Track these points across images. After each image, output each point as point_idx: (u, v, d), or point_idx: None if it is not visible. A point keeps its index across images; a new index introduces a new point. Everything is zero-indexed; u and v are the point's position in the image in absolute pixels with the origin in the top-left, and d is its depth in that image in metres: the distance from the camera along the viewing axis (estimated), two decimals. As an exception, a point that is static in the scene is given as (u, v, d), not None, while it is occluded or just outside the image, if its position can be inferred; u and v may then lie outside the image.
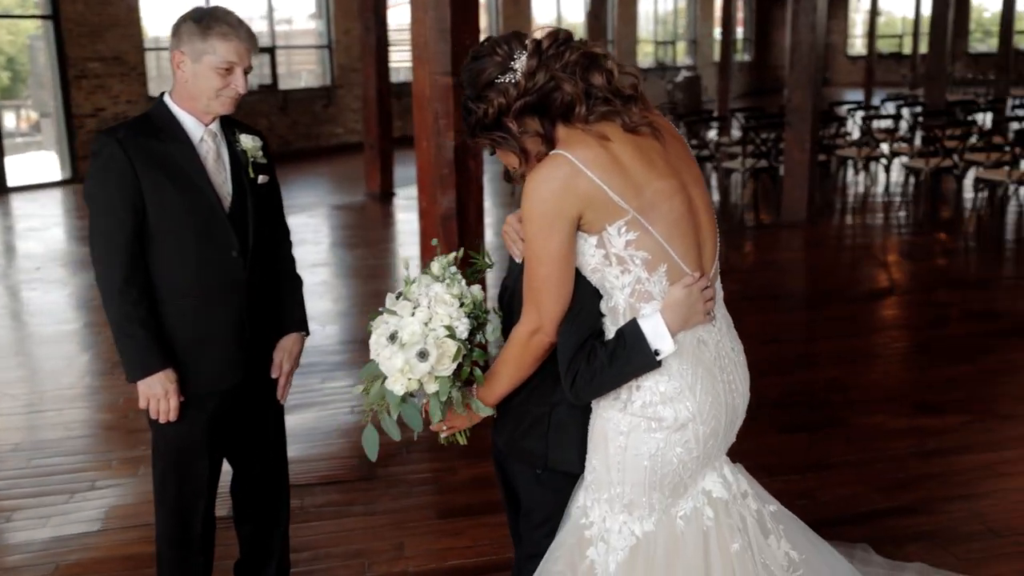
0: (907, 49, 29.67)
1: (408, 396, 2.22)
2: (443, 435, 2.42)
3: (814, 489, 4.10)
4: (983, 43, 34.00)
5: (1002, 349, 5.83)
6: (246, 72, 2.85)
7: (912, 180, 11.16)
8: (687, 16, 27.02)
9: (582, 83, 2.15)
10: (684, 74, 21.29)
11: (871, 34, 27.35)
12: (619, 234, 2.12)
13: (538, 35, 2.20)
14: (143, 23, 14.25)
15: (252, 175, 2.96)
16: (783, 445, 4.45)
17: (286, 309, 3.13)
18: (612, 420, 2.22)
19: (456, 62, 5.11)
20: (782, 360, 5.54)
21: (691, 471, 2.24)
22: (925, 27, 27.84)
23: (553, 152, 2.15)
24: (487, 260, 2.44)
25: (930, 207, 10.11)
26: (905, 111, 12.20)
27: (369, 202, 11.93)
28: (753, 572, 2.24)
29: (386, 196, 12.12)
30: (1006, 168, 9.22)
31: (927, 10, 27.93)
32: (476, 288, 2.31)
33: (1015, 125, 10.79)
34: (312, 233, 9.95)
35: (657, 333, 2.12)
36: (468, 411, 2.30)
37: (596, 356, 2.16)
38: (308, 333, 3.18)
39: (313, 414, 5.06)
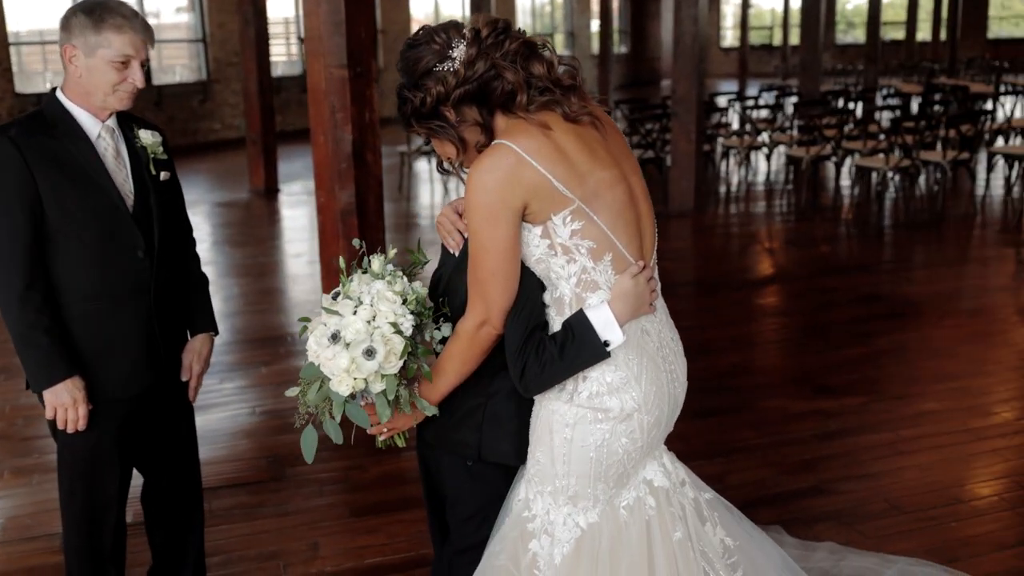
0: (777, 41, 30.57)
1: (351, 397, 2.16)
2: (382, 438, 2.35)
3: (724, 473, 4.17)
4: (847, 34, 35.35)
5: (889, 331, 6.04)
6: (143, 65, 2.73)
7: (792, 169, 11.48)
8: (564, 8, 27.25)
9: (523, 72, 2.12)
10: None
11: (743, 26, 28.09)
12: (564, 223, 2.11)
13: (476, 24, 2.16)
14: (5, 16, 13.57)
15: (154, 172, 2.85)
16: (691, 431, 4.50)
17: (194, 310, 3.04)
18: (557, 412, 2.21)
19: (352, 55, 5.01)
20: (684, 347, 5.58)
21: (634, 461, 2.24)
22: (794, 19, 28.79)
23: (496, 142, 2.12)
24: (422, 256, 2.39)
25: (811, 195, 10.42)
26: (784, 100, 12.54)
27: (254, 198, 11.65)
28: (694, 560, 2.26)
29: (271, 192, 11.85)
30: (882, 156, 9.56)
31: (795, 3, 28.94)
32: (418, 284, 2.26)
33: (888, 114, 11.19)
34: (196, 231, 9.56)
35: (606, 324, 2.11)
36: (413, 410, 2.25)
37: (545, 349, 2.14)
38: (217, 333, 3.09)
39: (215, 415, 4.91)
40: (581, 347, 2.12)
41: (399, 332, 2.15)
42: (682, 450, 4.41)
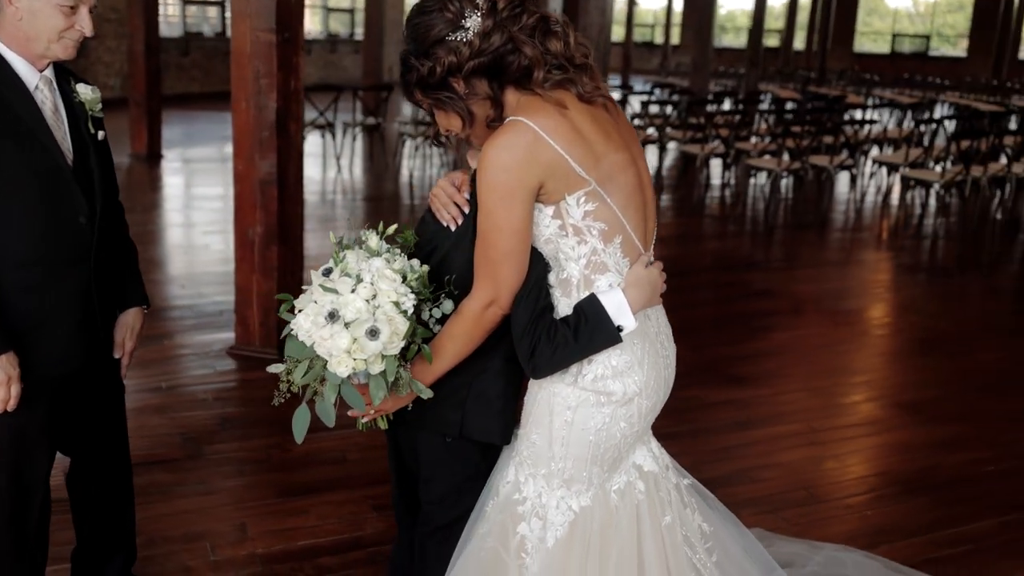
0: (659, 39, 31.14)
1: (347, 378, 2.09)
2: (364, 420, 2.27)
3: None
4: (719, 39, 36.30)
5: (787, 326, 6.26)
6: (91, 11, 2.51)
7: (684, 165, 11.72)
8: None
9: (540, 47, 2.08)
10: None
11: (628, 22, 28.49)
12: (578, 204, 2.08)
13: None
14: None
15: (92, 130, 2.66)
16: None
17: (125, 281, 2.83)
18: (559, 394, 2.18)
19: (280, 19, 4.86)
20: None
21: (629, 445, 2.24)
22: (675, 19, 29.43)
23: (512, 119, 2.07)
24: (412, 236, 2.31)
25: (703, 191, 10.66)
26: (676, 97, 12.80)
27: (135, 164, 11.18)
28: (681, 544, 2.27)
29: (153, 158, 11.41)
30: (770, 157, 9.85)
31: (677, 3, 29.59)
32: (416, 262, 2.19)
33: (774, 117, 11.53)
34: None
35: (620, 309, 2.09)
36: (407, 392, 2.18)
37: (558, 331, 2.11)
38: (149, 306, 2.92)
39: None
40: (595, 331, 2.10)
41: (401, 312, 2.08)
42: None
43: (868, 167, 11.33)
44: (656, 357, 2.23)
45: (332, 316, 2.03)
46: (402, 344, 2.07)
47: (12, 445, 2.57)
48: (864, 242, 9.02)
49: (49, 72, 2.54)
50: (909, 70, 24.25)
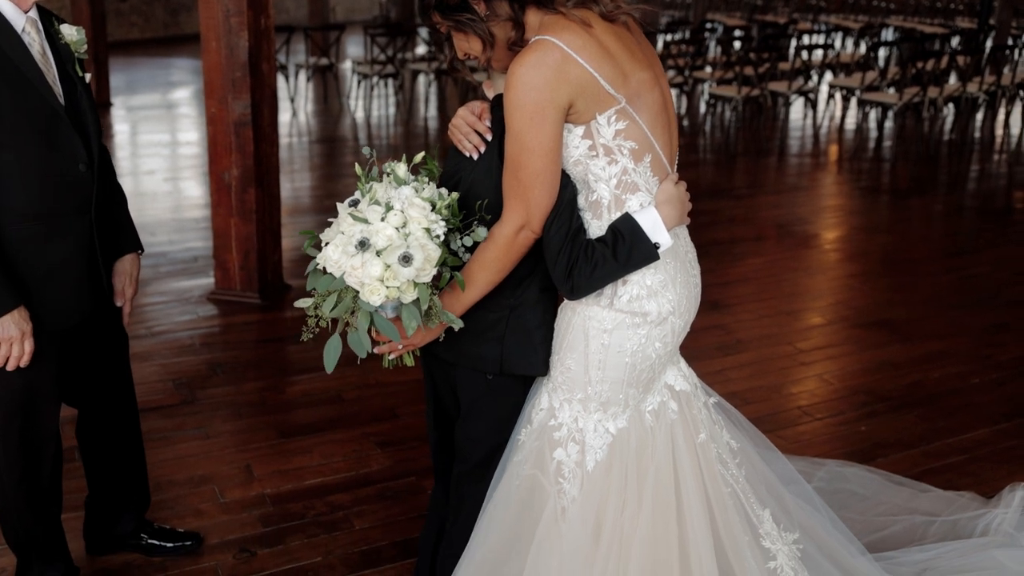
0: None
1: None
2: (392, 356, 2.24)
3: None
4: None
5: (761, 252, 6.32)
6: None
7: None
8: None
9: None
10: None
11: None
12: (608, 123, 2.07)
13: None
14: None
15: (80, 72, 2.59)
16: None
17: (121, 227, 2.78)
18: (595, 317, 2.18)
19: (248, -46, 4.73)
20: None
21: (663, 365, 2.26)
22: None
23: (539, 38, 2.05)
24: (435, 166, 2.28)
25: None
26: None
27: (83, 112, 10.88)
28: (714, 462, 2.31)
29: (103, 106, 11.10)
30: (734, 85, 9.86)
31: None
32: (444, 190, 2.16)
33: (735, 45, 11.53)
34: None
35: (655, 226, 2.10)
36: (438, 323, 2.16)
37: (595, 250, 2.10)
38: (143, 251, 2.87)
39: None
40: (633, 248, 2.10)
41: (433, 238, 2.06)
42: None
43: (824, 92, 11.37)
44: (687, 276, 2.24)
45: (363, 245, 2.01)
46: (434, 271, 2.05)
47: (23, 401, 2.54)
48: (824, 166, 9.11)
49: (34, 13, 2.47)
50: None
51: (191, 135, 9.80)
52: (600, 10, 2.09)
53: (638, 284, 2.16)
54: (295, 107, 11.17)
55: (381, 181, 2.14)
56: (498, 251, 2.13)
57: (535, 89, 2.01)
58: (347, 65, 12.84)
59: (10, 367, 2.42)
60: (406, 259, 1.99)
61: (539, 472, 2.23)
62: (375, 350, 2.18)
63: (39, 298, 2.47)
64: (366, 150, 2.20)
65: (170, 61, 14.09)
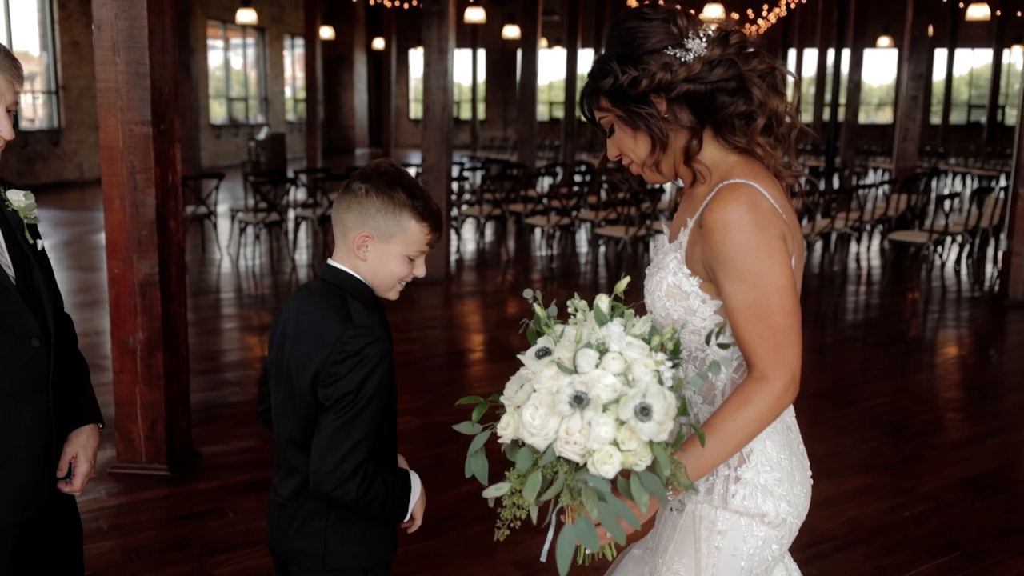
0: (465, 115, 31.64)
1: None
2: (587, 550, 1.72)
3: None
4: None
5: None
6: (9, 112, 2.24)
7: (540, 236, 11.90)
8: (258, 73, 26.72)
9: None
10: (267, 131, 20.92)
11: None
12: None
13: (725, 26, 1.90)
14: None
15: (31, 240, 2.39)
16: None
17: (79, 398, 2.52)
18: (706, 518, 1.97)
19: (156, 109, 4.61)
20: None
21: (774, 567, 2.07)
22: (480, 93, 30.01)
23: (740, 182, 1.84)
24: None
25: (562, 260, 10.81)
26: (517, 172, 13.01)
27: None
28: None
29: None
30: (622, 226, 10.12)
31: (481, 77, 30.22)
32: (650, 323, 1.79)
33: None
34: None
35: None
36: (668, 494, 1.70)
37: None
38: (104, 425, 2.61)
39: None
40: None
41: (661, 385, 1.65)
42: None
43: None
44: (803, 471, 2.05)
45: (578, 400, 1.61)
46: (671, 426, 1.64)
47: None
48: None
49: None
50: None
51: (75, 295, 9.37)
52: (769, 162, 1.94)
53: (751, 484, 1.95)
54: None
55: (551, 326, 1.77)
56: (763, 411, 1.81)
57: (759, 227, 1.80)
58: (230, 213, 12.63)
59: None
60: (644, 411, 1.59)
61: None
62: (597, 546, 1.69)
63: None
64: (528, 293, 1.83)
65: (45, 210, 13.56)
